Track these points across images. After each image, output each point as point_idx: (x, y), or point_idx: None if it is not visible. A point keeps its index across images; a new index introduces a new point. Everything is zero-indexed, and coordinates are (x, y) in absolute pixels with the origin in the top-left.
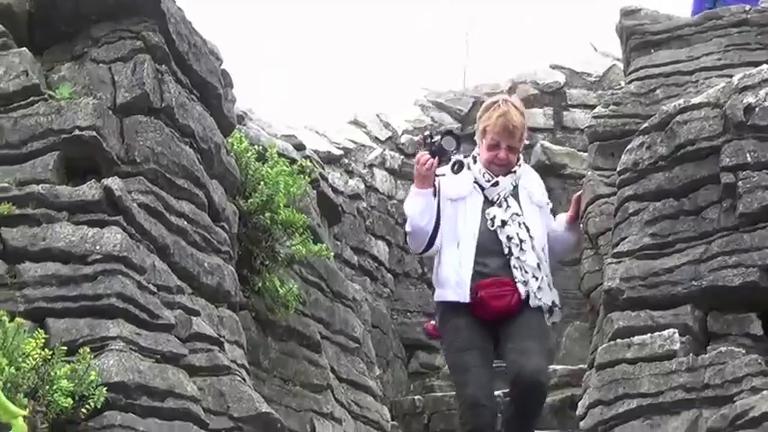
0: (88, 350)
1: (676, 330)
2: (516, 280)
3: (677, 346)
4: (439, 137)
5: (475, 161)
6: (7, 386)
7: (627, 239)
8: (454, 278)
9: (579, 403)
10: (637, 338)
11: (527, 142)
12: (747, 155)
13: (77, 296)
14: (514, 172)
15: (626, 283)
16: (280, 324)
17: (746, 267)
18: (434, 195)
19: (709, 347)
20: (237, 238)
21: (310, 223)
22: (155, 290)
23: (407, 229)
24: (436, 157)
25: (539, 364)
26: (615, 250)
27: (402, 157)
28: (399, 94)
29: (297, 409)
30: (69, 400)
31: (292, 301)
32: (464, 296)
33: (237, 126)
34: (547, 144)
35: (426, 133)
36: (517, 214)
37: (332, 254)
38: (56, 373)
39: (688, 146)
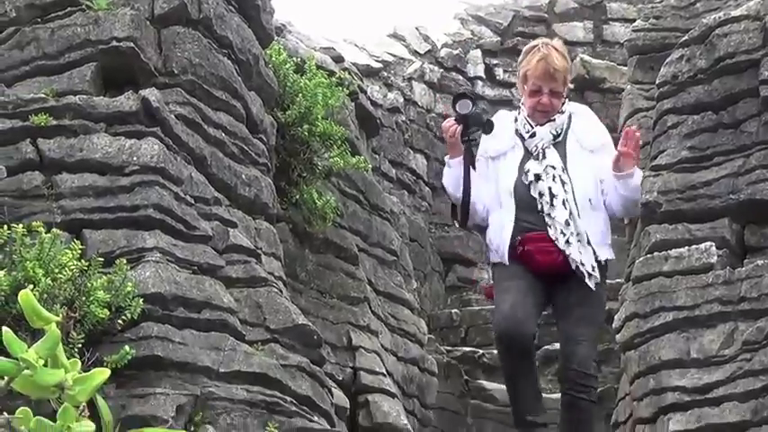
0: (125, 261)
1: (713, 243)
2: (551, 236)
3: (714, 260)
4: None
5: (519, 111)
6: (44, 297)
7: (665, 153)
8: (496, 240)
9: (615, 316)
10: (674, 252)
11: (571, 86)
12: None
13: (114, 207)
14: (554, 120)
15: (664, 197)
16: (317, 236)
17: None
18: (466, 163)
19: (745, 261)
20: (275, 150)
21: (348, 136)
22: (192, 201)
23: (452, 201)
24: (461, 124)
25: (587, 355)
26: (653, 163)
27: (441, 70)
28: (439, 7)
29: (333, 322)
30: (105, 311)
31: (330, 213)
32: (503, 256)
33: (276, 38)
34: (586, 58)
35: (460, 91)
36: (552, 167)
37: (370, 166)
38: (92, 284)
39: (727, 59)
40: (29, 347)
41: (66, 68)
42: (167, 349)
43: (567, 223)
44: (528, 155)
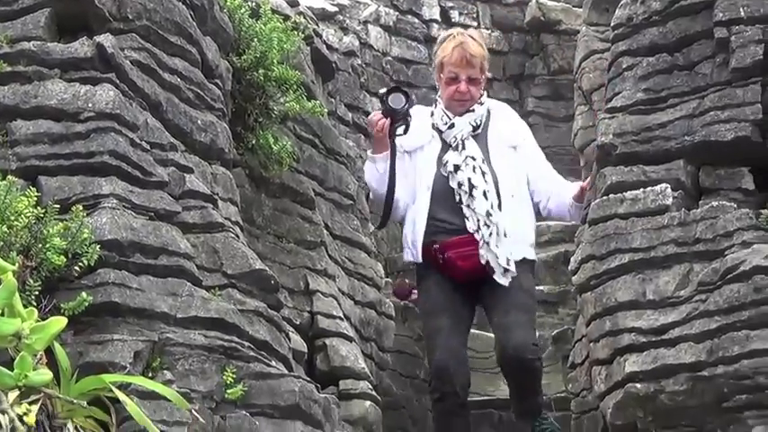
0: (81, 208)
1: (669, 185)
2: (469, 229)
3: (669, 201)
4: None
5: (436, 105)
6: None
7: (620, 95)
8: (410, 237)
9: (572, 258)
10: (629, 194)
11: (489, 75)
12: (741, 9)
13: (70, 154)
14: (473, 110)
15: (619, 139)
16: (273, 181)
17: (738, 122)
18: (393, 159)
19: (701, 202)
20: (231, 96)
21: (304, 80)
22: (147, 147)
23: (371, 197)
24: (389, 118)
25: (523, 339)
26: (608, 106)
27: (397, 13)
28: None
29: (290, 266)
30: (62, 257)
31: (286, 157)
32: (416, 255)
33: None
34: (542, 0)
35: (383, 91)
36: (472, 157)
37: (326, 111)
38: (48, 231)
39: (682, 1)
40: None
41: (19, 14)
42: (124, 295)
43: (489, 214)
44: (446, 146)
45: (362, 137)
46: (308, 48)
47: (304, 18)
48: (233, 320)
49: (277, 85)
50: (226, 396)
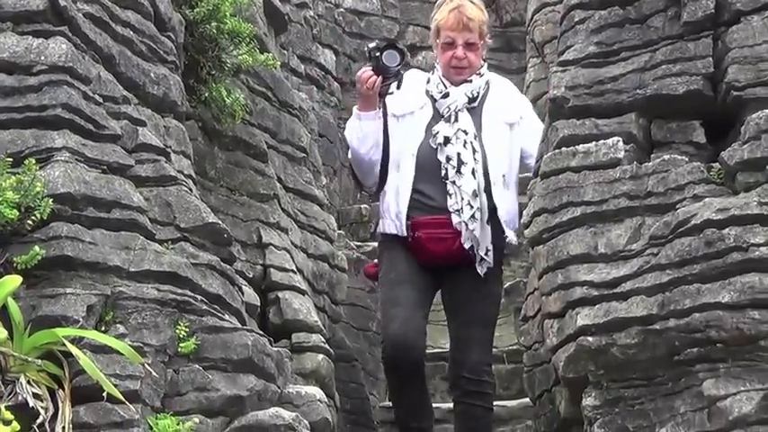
0: (34, 161)
1: (620, 138)
2: (450, 207)
3: (621, 155)
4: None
5: (434, 72)
6: None
7: (572, 48)
8: (393, 208)
9: (524, 212)
10: (581, 147)
11: (490, 42)
12: None
13: (22, 107)
14: (471, 81)
15: (571, 92)
16: (226, 134)
17: (690, 76)
18: (381, 118)
19: (652, 155)
20: (183, 48)
21: (257, 32)
22: (100, 100)
23: (349, 156)
24: (380, 75)
25: (479, 360)
26: (560, 59)
27: None
28: None
29: (243, 219)
30: (15, 211)
31: (239, 110)
32: (400, 226)
33: None
34: None
35: (372, 45)
36: (464, 131)
37: (278, 63)
38: (1, 184)
39: None
40: None
41: None
42: (77, 249)
43: (475, 195)
44: (438, 116)
45: (315, 88)
46: (261, 0)
47: None
48: (186, 274)
49: (230, 37)
50: (179, 350)
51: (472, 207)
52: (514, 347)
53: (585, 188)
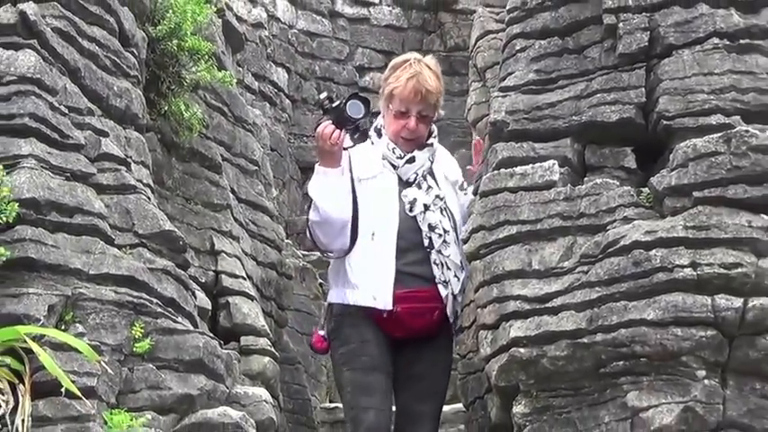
0: (1, 167)
1: (556, 162)
2: (438, 278)
3: (556, 177)
4: (340, 101)
5: (380, 135)
6: None
7: (513, 75)
8: (372, 279)
9: (463, 228)
10: (519, 168)
11: (442, 113)
12: None
13: None
14: (431, 145)
15: (510, 116)
16: (183, 146)
17: (623, 104)
18: (348, 174)
19: (585, 179)
20: (146, 64)
21: (215, 50)
22: (66, 111)
23: (314, 218)
24: (342, 128)
25: None
26: (501, 84)
27: None
28: None
29: (198, 227)
30: None
31: (196, 124)
32: (385, 302)
33: None
34: None
35: (324, 95)
36: (440, 197)
37: (234, 80)
38: None
39: None
40: None
41: None
42: (40, 251)
43: (462, 266)
44: (403, 183)
45: (267, 105)
46: (220, 20)
47: None
48: (142, 278)
49: (189, 54)
50: (134, 349)
51: (459, 278)
52: None
53: (522, 208)
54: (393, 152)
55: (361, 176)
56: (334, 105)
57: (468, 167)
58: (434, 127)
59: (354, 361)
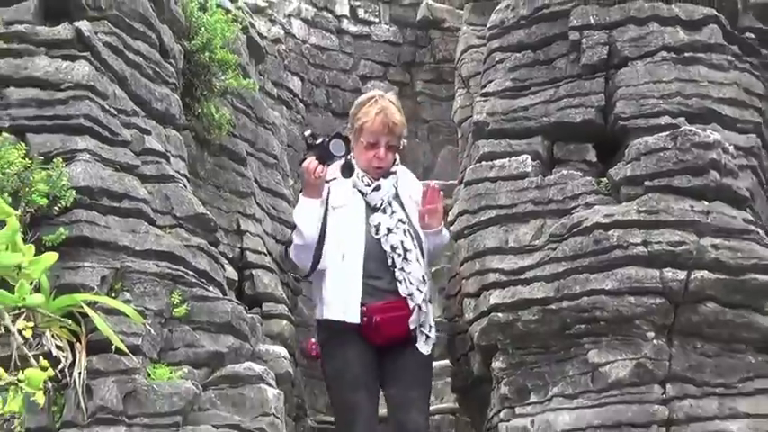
0: (61, 160)
1: (529, 156)
2: (402, 293)
3: (529, 169)
4: (323, 139)
5: (347, 169)
6: None
7: (493, 82)
8: (342, 296)
9: (450, 212)
10: (497, 162)
11: (404, 141)
12: (591, 18)
13: (52, 116)
14: (395, 173)
15: (491, 117)
16: (214, 143)
17: (586, 107)
18: (326, 206)
19: (554, 170)
20: (182, 73)
21: (240, 62)
22: (115, 113)
23: (297, 242)
24: (325, 164)
25: (420, 420)
26: (483, 91)
27: (315, 9)
28: None
29: (226, 211)
30: (45, 199)
31: (225, 124)
32: (353, 316)
33: None
34: (431, 2)
35: (308, 133)
36: (402, 221)
37: (257, 87)
38: (34, 177)
39: (544, 9)
40: None
41: (13, 2)
42: (94, 231)
43: (424, 280)
44: (371, 209)
45: (285, 108)
46: (244, 36)
47: (242, 12)
48: (180, 254)
49: (219, 65)
50: (173, 314)
51: (421, 291)
52: (438, 319)
53: (500, 195)
54: (362, 180)
55: (335, 205)
56: (317, 143)
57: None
58: (398, 155)
59: (340, 380)
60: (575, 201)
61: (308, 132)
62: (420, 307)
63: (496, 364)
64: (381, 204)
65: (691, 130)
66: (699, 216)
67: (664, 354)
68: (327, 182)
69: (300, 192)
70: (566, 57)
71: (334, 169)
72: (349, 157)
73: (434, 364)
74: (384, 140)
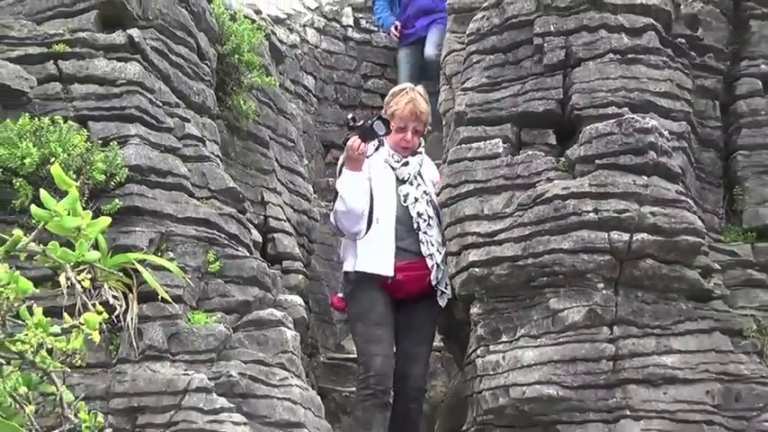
0: (116, 143)
1: (500, 140)
2: (424, 253)
3: (501, 150)
4: (364, 121)
5: (383, 144)
6: (62, 166)
7: (471, 79)
8: (378, 252)
9: (436, 185)
10: (474, 144)
11: (429, 128)
12: (551, 26)
13: (109, 107)
14: (421, 152)
15: (469, 108)
16: (242, 129)
17: (547, 100)
18: (368, 176)
19: (521, 151)
20: (216, 72)
21: (264, 63)
22: (160, 104)
23: (340, 208)
24: (366, 142)
25: (422, 373)
26: (462, 86)
27: (325, 20)
28: None
29: (252, 185)
30: (103, 176)
31: (251, 114)
32: (388, 269)
33: None
34: None
35: (350, 116)
36: (426, 192)
37: (277, 83)
38: (94, 158)
39: (512, 19)
40: (58, 202)
41: (77, 14)
42: (143, 202)
43: (442, 243)
44: (399, 181)
45: (300, 101)
46: (267, 42)
47: (264, 22)
48: (214, 220)
49: (246, 65)
50: (208, 269)
51: (440, 252)
52: None
53: (476, 171)
54: (393, 158)
55: (371, 177)
56: (358, 124)
57: None
58: (422, 140)
59: (365, 317)
60: (538, 176)
61: (350, 116)
62: (438, 265)
63: (474, 310)
64: (408, 178)
65: (633, 118)
66: (639, 189)
67: (611, 301)
68: (366, 157)
69: (342, 166)
70: (530, 58)
71: (371, 147)
72: (384, 136)
73: None
74: (411, 125)
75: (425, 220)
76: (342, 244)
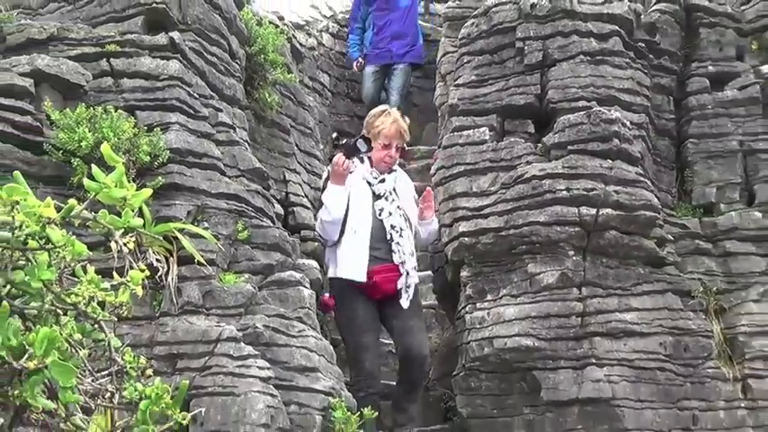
0: (159, 129)
1: (487, 128)
2: (396, 261)
3: (487, 137)
4: (347, 140)
5: (362, 161)
6: (113, 148)
7: (462, 77)
8: (353, 260)
9: (432, 167)
10: (465, 132)
11: (406, 147)
12: (531, 31)
13: (154, 98)
14: (395, 171)
15: (461, 101)
16: (267, 118)
17: (527, 95)
18: (347, 190)
19: (504, 138)
20: (245, 69)
21: (286, 62)
22: (197, 96)
23: (326, 218)
24: (350, 158)
25: (423, 340)
26: (455, 83)
27: (338, 26)
28: None
29: (275, 166)
30: (148, 157)
31: (274, 105)
32: (361, 276)
33: (246, 5)
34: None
35: (334, 135)
36: (399, 207)
37: (297, 80)
38: (140, 141)
39: (498, 25)
40: (107, 176)
41: (126, 18)
42: (182, 179)
43: (412, 253)
44: (375, 195)
45: (317, 95)
46: (289, 44)
47: (287, 27)
48: (243, 195)
49: (271, 64)
50: (238, 237)
51: (411, 261)
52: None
53: (466, 155)
54: (371, 174)
55: (350, 190)
56: (342, 142)
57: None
58: (399, 159)
59: (352, 326)
60: (519, 159)
61: (334, 135)
62: (408, 273)
63: (463, 273)
64: (384, 193)
65: (600, 111)
66: (605, 170)
67: (580, 266)
68: (350, 173)
69: (327, 180)
70: (513, 59)
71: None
72: (366, 153)
73: (420, 273)
74: (395, 143)
75: (398, 232)
76: (326, 253)
